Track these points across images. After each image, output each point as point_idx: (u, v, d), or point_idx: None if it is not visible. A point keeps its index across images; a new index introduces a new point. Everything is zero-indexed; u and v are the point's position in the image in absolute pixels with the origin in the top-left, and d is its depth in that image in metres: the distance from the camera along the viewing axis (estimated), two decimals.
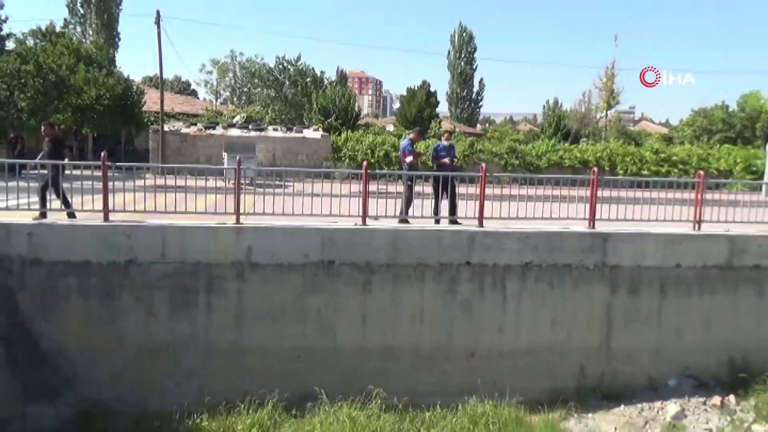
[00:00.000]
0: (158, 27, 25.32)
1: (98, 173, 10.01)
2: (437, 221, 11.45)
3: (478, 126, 52.31)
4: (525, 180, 12.15)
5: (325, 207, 10.50)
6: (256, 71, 42.03)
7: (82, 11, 40.05)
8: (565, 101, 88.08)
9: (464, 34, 49.24)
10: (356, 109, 35.82)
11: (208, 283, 9.97)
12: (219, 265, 9.96)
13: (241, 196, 10.27)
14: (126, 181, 11.59)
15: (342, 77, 54.55)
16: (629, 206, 11.35)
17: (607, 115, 43.49)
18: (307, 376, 9.71)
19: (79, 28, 39.85)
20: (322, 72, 39.38)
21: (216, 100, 47.37)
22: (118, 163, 11.37)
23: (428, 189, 12.43)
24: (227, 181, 13.45)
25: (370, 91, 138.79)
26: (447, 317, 10.56)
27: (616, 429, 9.79)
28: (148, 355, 9.83)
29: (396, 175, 14.10)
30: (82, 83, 24.44)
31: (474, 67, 50.84)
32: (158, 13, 25.39)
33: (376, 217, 10.94)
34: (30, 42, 27.66)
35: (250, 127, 27.60)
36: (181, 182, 10.95)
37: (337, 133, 28.34)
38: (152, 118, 29.71)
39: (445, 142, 12.57)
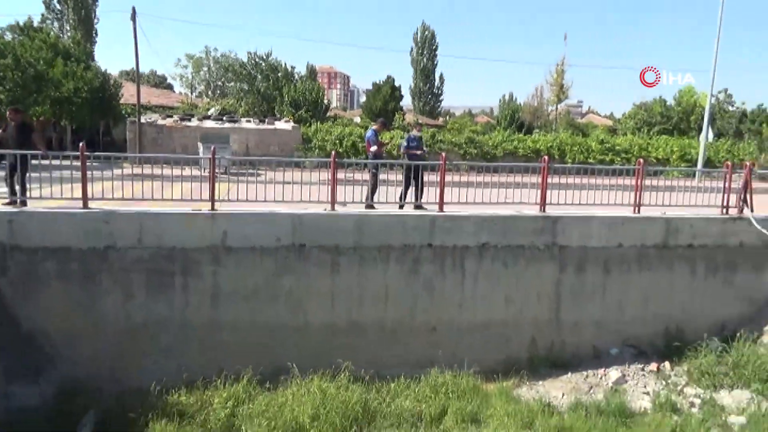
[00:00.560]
0: (134, 23, 24.65)
1: (77, 163, 9.75)
2: (401, 206, 11.47)
3: (440, 118, 52.10)
4: (482, 168, 12.34)
5: (296, 194, 10.45)
6: (229, 66, 41.23)
7: (59, 7, 38.59)
8: (519, 95, 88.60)
9: (426, 33, 48.95)
10: (325, 102, 35.48)
11: (184, 267, 9.84)
12: (195, 249, 9.83)
13: (216, 184, 10.13)
14: (104, 170, 11.31)
15: (312, 72, 53.73)
16: (576, 191, 11.58)
17: (557, 108, 44.19)
18: (280, 352, 9.70)
19: (56, 24, 38.36)
20: (292, 67, 38.67)
21: (191, 93, 46.29)
22: (96, 153, 11.07)
23: (392, 177, 12.42)
24: (202, 170, 13.23)
25: (338, 86, 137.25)
26: (410, 295, 10.64)
27: (564, 394, 10.04)
28: (127, 335, 9.68)
29: (362, 164, 14.05)
30: (60, 77, 23.62)
31: (435, 63, 50.64)
32: (134, 9, 24.76)
33: (344, 203, 10.91)
34: (8, 37, 26.57)
35: (224, 119, 27.06)
36: (157, 171, 10.71)
37: (307, 125, 28.06)
38: (129, 111, 28.92)
39: (416, 133, 12.56)
